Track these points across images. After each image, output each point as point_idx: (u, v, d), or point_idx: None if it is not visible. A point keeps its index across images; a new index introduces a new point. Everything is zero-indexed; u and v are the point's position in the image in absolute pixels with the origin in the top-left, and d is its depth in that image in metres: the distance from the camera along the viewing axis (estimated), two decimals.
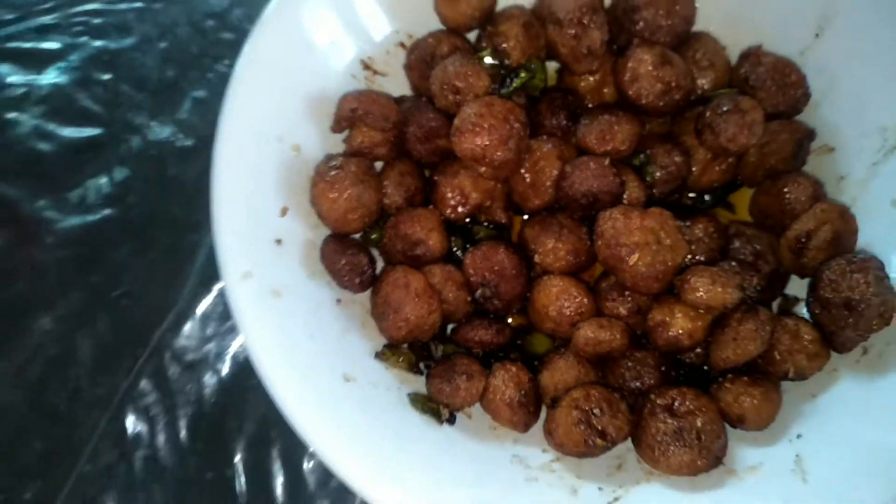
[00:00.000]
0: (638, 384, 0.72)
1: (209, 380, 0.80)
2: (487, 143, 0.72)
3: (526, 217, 0.80)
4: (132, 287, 0.83)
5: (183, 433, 0.78)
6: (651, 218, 0.70)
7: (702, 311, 0.69)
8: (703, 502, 0.64)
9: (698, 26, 0.82)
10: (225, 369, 0.80)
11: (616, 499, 0.66)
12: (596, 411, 0.67)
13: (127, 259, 0.84)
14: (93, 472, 0.76)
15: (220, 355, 0.81)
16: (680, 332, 0.70)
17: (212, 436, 0.78)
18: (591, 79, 0.81)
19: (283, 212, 0.72)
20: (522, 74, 0.78)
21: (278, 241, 0.70)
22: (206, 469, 0.77)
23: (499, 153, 0.72)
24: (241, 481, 0.76)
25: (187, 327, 0.81)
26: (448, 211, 0.77)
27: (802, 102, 0.78)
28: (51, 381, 0.80)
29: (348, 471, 0.63)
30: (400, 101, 0.81)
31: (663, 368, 0.73)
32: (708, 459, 0.66)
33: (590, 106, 0.82)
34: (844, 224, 0.73)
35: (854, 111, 0.78)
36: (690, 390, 0.68)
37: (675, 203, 0.81)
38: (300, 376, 0.64)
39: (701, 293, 0.68)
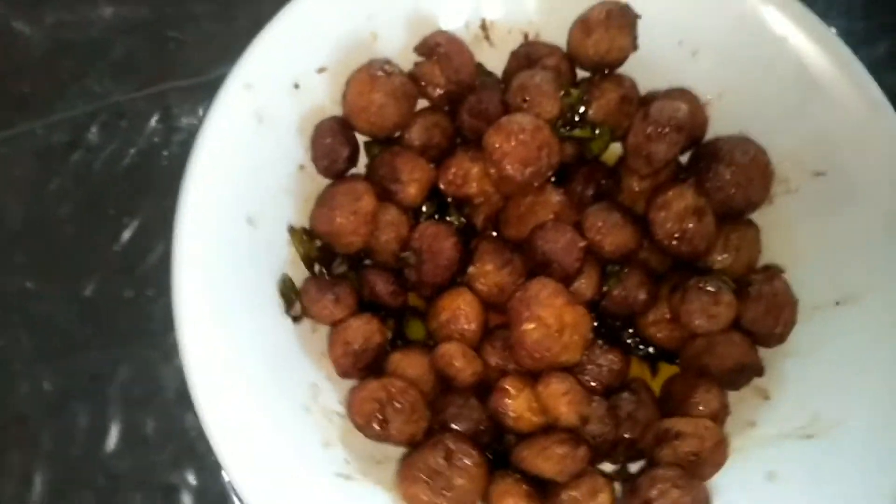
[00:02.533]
0: (451, 422, 0.74)
1: (173, 149, 0.86)
2: (507, 151, 0.74)
3: (494, 234, 0.83)
4: (190, 37, 0.90)
5: (112, 174, 0.84)
6: (572, 311, 0.72)
7: (538, 409, 0.71)
8: None
9: (756, 218, 0.82)
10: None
11: (349, 476, 0.68)
12: (397, 405, 0.70)
13: (206, 14, 0.90)
14: (36, 138, 0.84)
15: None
16: (510, 408, 0.71)
17: (129, 194, 0.83)
18: (638, 184, 0.82)
19: (321, 69, 0.76)
20: (585, 129, 0.80)
21: (296, 86, 0.75)
22: (101, 227, 0.82)
23: (509, 167, 0.75)
24: (121, 241, 0.82)
25: (192, 100, 0.87)
26: (442, 180, 0.80)
27: (775, 341, 0.78)
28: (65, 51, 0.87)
29: (184, 286, 0.66)
30: (484, 73, 0.84)
31: (482, 428, 0.74)
32: None
33: (618, 201, 0.83)
34: (713, 454, 0.72)
35: (808, 386, 0.76)
36: (479, 455, 0.70)
37: (612, 327, 0.82)
38: (213, 184, 0.69)
39: (548, 392, 0.69)
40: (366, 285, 0.77)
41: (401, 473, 0.69)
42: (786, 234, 0.81)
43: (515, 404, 0.71)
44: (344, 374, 0.74)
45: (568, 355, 0.72)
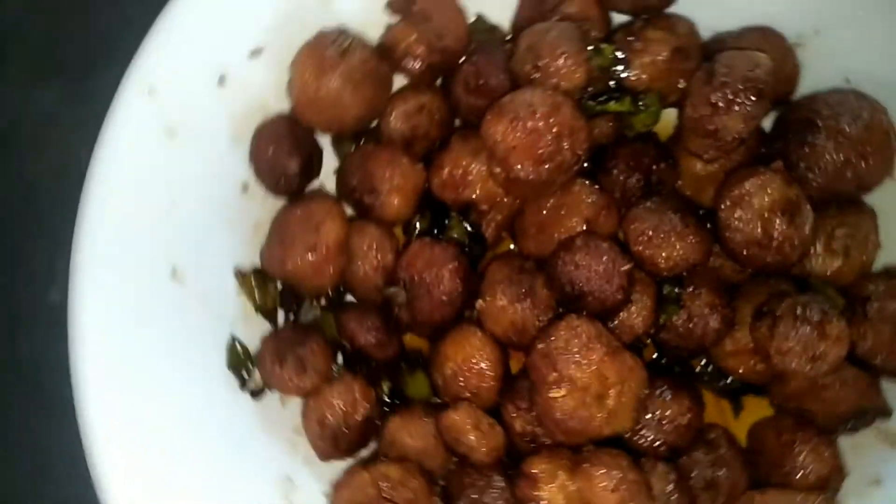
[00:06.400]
0: None
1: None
2: (515, 144, 0.54)
3: (512, 247, 0.63)
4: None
5: None
6: (615, 366, 0.52)
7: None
8: None
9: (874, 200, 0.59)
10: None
11: None
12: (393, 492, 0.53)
13: None
14: None
15: None
16: (545, 501, 0.53)
17: None
18: (703, 167, 0.60)
19: (256, 52, 0.56)
20: (626, 104, 0.58)
21: (221, 79, 0.55)
22: None
23: (520, 166, 0.54)
24: None
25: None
26: (437, 183, 0.61)
27: None
28: None
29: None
30: (484, 29, 0.62)
31: None
32: None
33: (675, 189, 0.61)
34: None
35: None
36: None
37: (673, 358, 0.62)
38: (116, 232, 0.51)
39: (591, 488, 0.51)
40: (344, 335, 0.59)
41: None
42: None
43: (548, 496, 0.53)
44: (325, 457, 0.57)
45: (615, 425, 0.53)
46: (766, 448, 0.59)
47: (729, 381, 0.63)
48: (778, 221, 0.54)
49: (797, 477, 0.56)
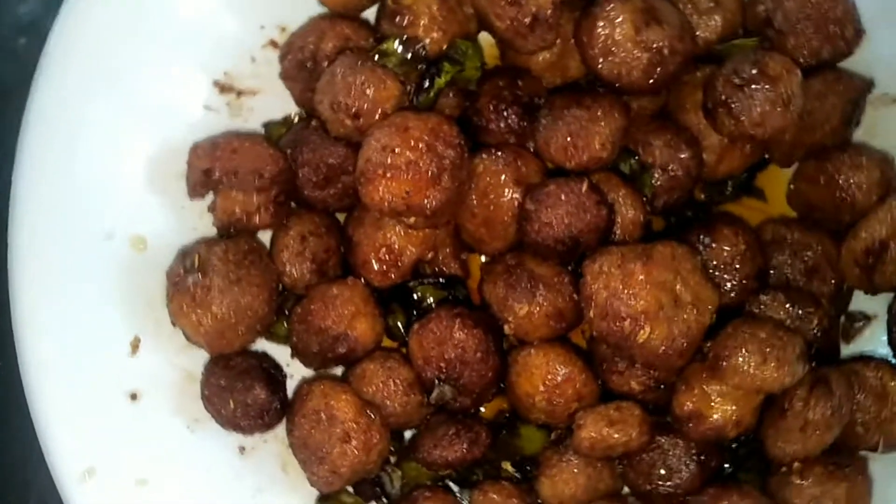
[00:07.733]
0: (670, 485, 0.53)
1: None
2: (407, 189, 0.49)
3: (484, 259, 0.58)
4: None
5: None
6: (659, 266, 0.49)
7: (745, 395, 0.49)
8: None
9: None
10: None
11: None
12: None
13: None
14: None
15: None
16: (721, 420, 0.50)
17: None
18: (549, 53, 0.57)
19: (135, 346, 0.50)
20: (447, 68, 0.54)
21: (133, 396, 0.48)
22: None
23: (426, 200, 0.50)
24: None
25: None
26: (375, 278, 0.56)
27: (853, 43, 0.54)
28: None
29: None
30: (281, 128, 0.57)
31: (702, 458, 0.53)
32: None
33: (550, 89, 0.58)
34: None
35: None
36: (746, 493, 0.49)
37: (679, 209, 0.58)
38: None
39: (748, 374, 0.47)
40: (437, 468, 0.54)
41: None
42: None
43: (720, 412, 0.50)
44: None
45: (705, 308, 0.50)
46: (817, 202, 0.56)
47: (730, 184, 0.60)
48: (650, 34, 0.51)
49: (861, 196, 0.53)
